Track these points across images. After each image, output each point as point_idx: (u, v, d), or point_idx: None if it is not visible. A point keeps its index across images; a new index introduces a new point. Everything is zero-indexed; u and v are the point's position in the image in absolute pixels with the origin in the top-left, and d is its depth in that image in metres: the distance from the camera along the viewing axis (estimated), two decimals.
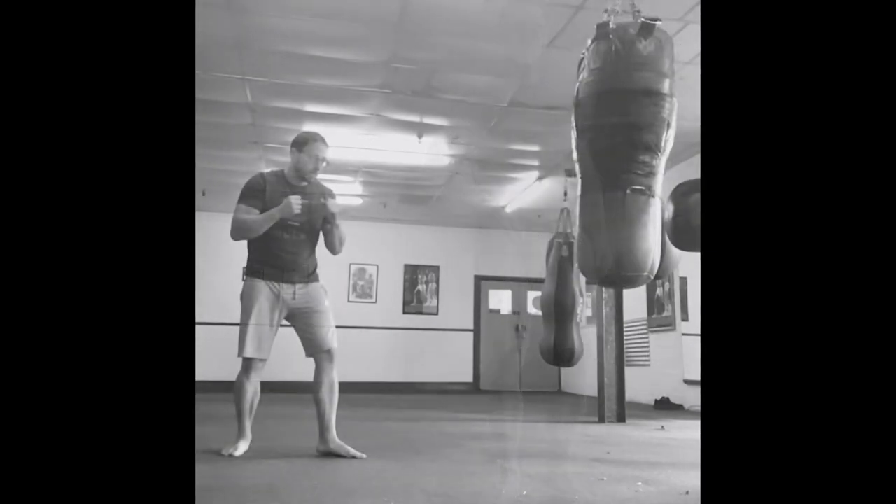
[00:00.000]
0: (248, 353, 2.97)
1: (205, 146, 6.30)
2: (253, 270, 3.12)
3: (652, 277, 2.28)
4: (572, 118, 2.35)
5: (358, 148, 6.35)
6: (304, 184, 3.15)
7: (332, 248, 3.21)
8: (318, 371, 3.07)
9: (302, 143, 3.14)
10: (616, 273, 2.20)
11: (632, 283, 2.29)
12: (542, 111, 5.42)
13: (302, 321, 3.09)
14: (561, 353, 5.02)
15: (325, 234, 3.20)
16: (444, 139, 6.19)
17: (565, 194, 5.36)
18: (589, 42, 2.28)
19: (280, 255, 3.07)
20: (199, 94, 5.00)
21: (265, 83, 5.03)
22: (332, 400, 3.03)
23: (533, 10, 3.95)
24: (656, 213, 2.23)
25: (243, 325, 3.00)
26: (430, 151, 6.45)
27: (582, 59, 2.34)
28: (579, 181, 2.33)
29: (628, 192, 2.15)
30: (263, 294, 3.04)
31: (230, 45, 4.44)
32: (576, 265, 5.05)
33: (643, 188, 2.17)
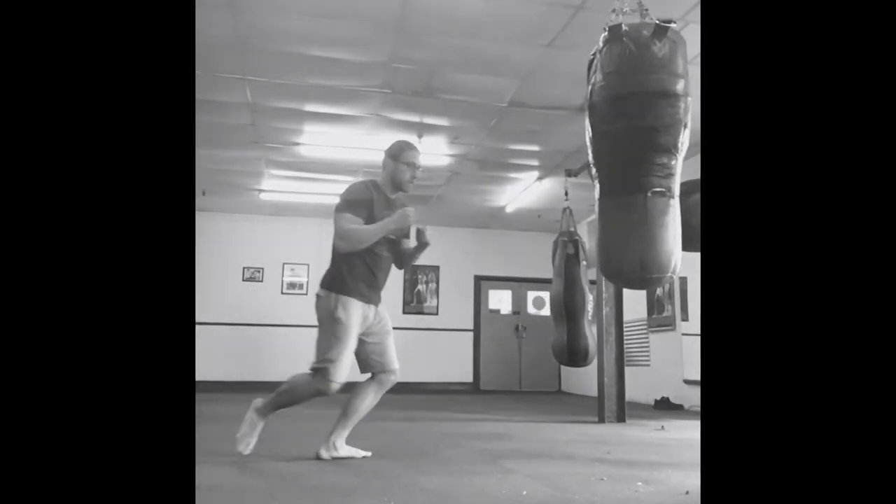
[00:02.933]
0: (341, 378, 2.78)
1: (205, 146, 6.30)
2: (346, 288, 2.85)
3: (675, 277, 2.28)
4: (586, 122, 2.34)
5: (358, 148, 6.36)
6: (397, 195, 3.04)
7: (405, 265, 3.14)
8: (376, 387, 2.97)
9: (398, 152, 3.02)
10: (640, 275, 2.20)
11: (656, 284, 2.30)
12: (542, 111, 5.43)
13: (377, 340, 2.95)
14: (575, 353, 4.93)
15: (398, 251, 3.07)
16: (444, 139, 6.19)
17: (566, 194, 5.36)
18: (600, 44, 2.27)
19: (375, 273, 2.92)
20: (199, 94, 5.00)
21: (265, 83, 5.03)
22: (363, 414, 2.99)
23: (533, 10, 3.95)
24: (676, 213, 2.23)
25: (338, 346, 2.78)
26: (430, 151, 6.45)
27: (592, 62, 2.33)
28: (597, 184, 2.33)
29: (649, 194, 2.15)
30: (357, 315, 2.84)
31: (230, 45, 4.44)
32: (583, 263, 5.04)
33: (663, 190, 2.18)
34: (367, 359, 2.95)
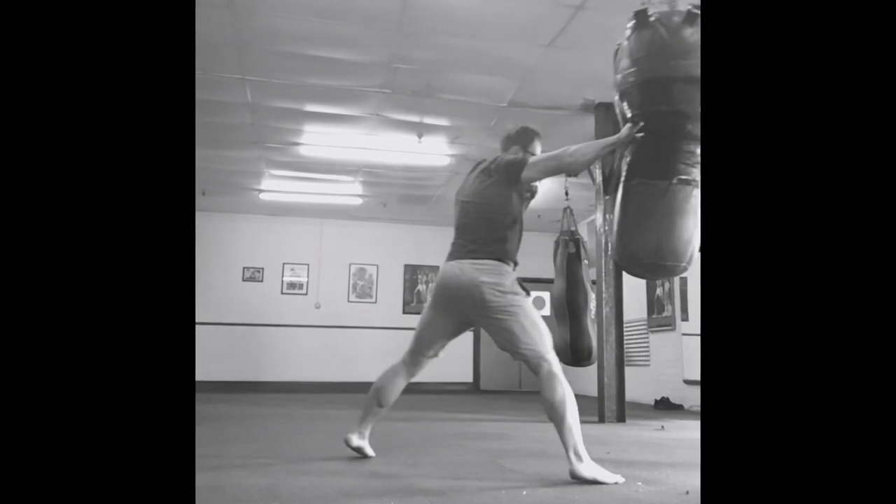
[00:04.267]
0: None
1: (205, 146, 6.30)
2: (511, 258, 2.61)
3: (689, 268, 2.25)
4: (617, 108, 2.31)
5: (358, 148, 6.36)
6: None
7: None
8: (405, 373, 2.87)
9: (528, 141, 2.79)
10: (654, 261, 2.16)
11: (671, 272, 2.26)
12: (542, 111, 5.43)
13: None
14: (578, 352, 4.87)
15: None
16: (444, 139, 6.19)
17: (566, 194, 5.36)
18: (627, 31, 2.25)
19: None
20: (199, 94, 5.01)
21: (265, 83, 5.03)
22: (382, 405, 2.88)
23: (533, 10, 3.95)
24: (697, 203, 2.20)
25: (542, 327, 2.54)
26: (429, 151, 6.46)
27: (618, 50, 2.30)
28: (624, 167, 2.30)
29: (674, 181, 2.13)
30: None
31: (230, 45, 4.44)
32: (585, 262, 5.03)
33: (688, 178, 2.15)
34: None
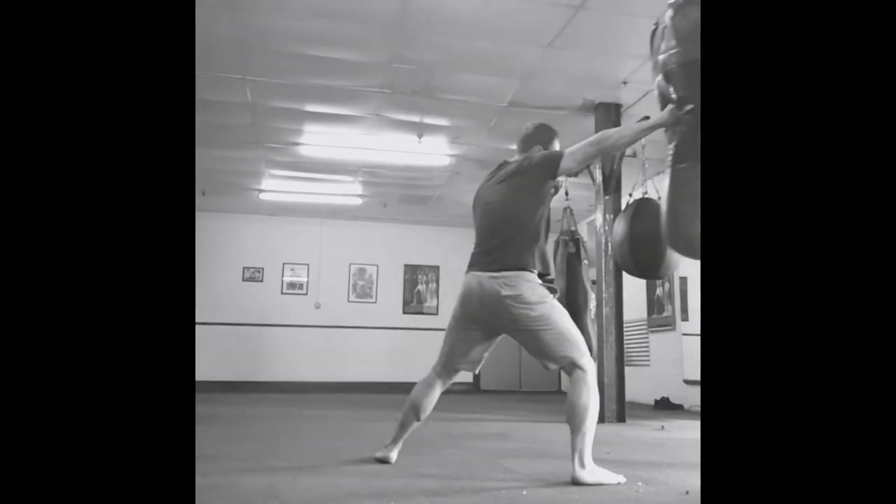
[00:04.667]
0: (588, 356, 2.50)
1: (205, 146, 6.30)
2: (533, 266, 2.55)
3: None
4: (658, 89, 2.27)
5: (358, 148, 6.36)
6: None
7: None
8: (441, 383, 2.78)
9: (549, 140, 2.75)
10: None
11: None
12: (542, 111, 5.43)
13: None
14: None
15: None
16: (444, 139, 6.19)
17: (566, 194, 5.36)
18: (670, 11, 2.22)
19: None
20: (199, 94, 5.01)
21: (265, 83, 5.03)
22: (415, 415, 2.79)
23: (533, 10, 3.95)
24: None
25: (574, 332, 2.49)
26: (430, 151, 6.46)
27: (655, 30, 2.27)
28: (672, 149, 2.27)
29: None
30: None
31: (230, 45, 4.44)
32: (585, 262, 5.03)
33: None
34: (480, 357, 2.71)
